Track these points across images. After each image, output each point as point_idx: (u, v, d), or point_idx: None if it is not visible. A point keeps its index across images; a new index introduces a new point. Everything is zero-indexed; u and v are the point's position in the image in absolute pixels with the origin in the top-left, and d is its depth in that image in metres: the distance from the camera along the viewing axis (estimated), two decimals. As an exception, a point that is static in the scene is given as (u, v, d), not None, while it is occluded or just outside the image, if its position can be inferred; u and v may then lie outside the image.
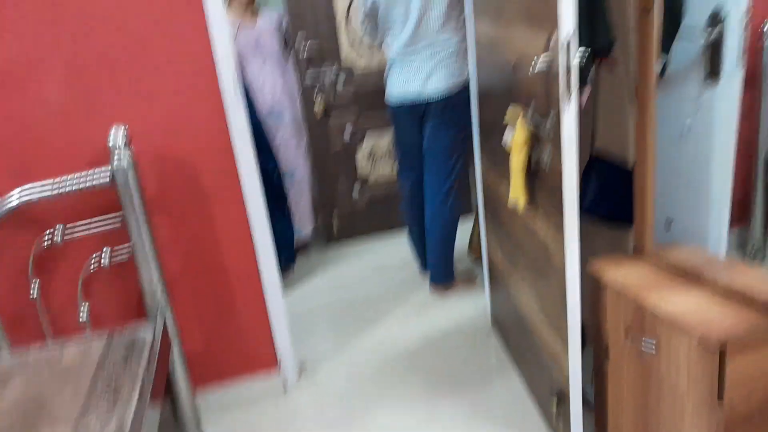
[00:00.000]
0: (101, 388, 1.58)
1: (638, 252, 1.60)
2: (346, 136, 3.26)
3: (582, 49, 1.39)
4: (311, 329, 2.63)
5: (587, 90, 1.72)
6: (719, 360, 1.24)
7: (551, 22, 1.36)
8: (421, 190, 2.71)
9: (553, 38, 1.37)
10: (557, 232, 1.52)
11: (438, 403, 2.08)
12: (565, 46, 1.33)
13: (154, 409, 1.60)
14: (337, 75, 3.15)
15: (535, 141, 1.58)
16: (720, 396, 1.28)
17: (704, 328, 1.26)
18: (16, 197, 1.72)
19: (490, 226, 2.27)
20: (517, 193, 1.66)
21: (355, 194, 3.38)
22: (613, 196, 1.84)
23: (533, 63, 1.45)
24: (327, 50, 3.10)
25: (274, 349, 2.18)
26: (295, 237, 3.18)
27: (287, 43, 3.05)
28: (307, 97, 3.15)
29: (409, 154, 2.70)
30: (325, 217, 3.40)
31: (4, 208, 1.72)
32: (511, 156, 1.64)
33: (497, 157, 1.95)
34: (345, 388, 2.22)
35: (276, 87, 2.95)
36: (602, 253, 1.64)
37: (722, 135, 1.53)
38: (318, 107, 3.16)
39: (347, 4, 3.07)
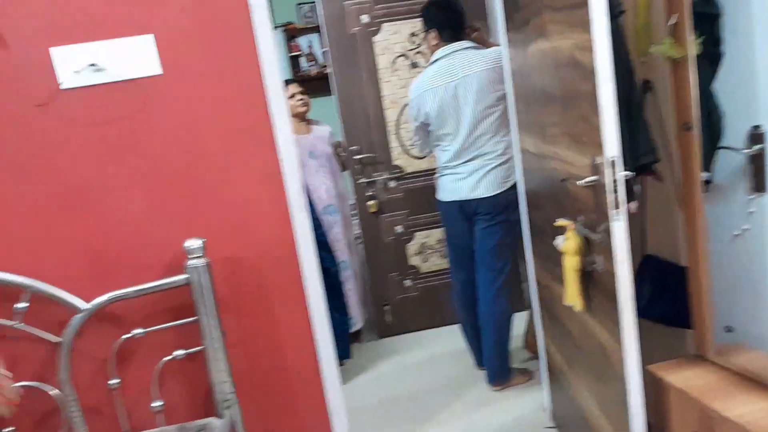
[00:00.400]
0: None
1: (700, 355, 1.60)
2: (398, 231, 3.44)
3: (626, 172, 1.46)
4: (366, 426, 2.64)
5: (635, 203, 1.79)
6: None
7: (595, 144, 1.46)
8: (473, 286, 2.77)
9: (598, 160, 1.46)
10: (615, 336, 1.55)
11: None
12: (611, 167, 1.42)
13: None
14: (388, 178, 3.41)
15: (586, 247, 1.64)
16: None
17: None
18: (101, 301, 1.88)
19: (547, 324, 2.30)
20: (572, 296, 1.71)
21: (408, 284, 3.47)
22: (668, 296, 1.86)
23: (580, 181, 1.54)
24: (379, 157, 3.38)
25: (332, 442, 2.20)
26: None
27: (339, 156, 3.37)
28: (360, 198, 3.40)
29: (460, 252, 2.79)
30: (378, 310, 3.48)
31: (91, 310, 1.87)
32: (563, 261, 1.70)
33: (550, 259, 2.01)
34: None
35: (329, 188, 3.20)
36: (660, 353, 1.65)
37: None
38: (371, 208, 3.40)
39: (396, 116, 3.37)
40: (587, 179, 1.52)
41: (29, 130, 1.83)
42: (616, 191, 1.43)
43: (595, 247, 1.58)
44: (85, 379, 1.95)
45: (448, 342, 3.26)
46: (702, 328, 1.58)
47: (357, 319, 3.38)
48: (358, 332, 3.48)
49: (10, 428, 1.92)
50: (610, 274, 1.50)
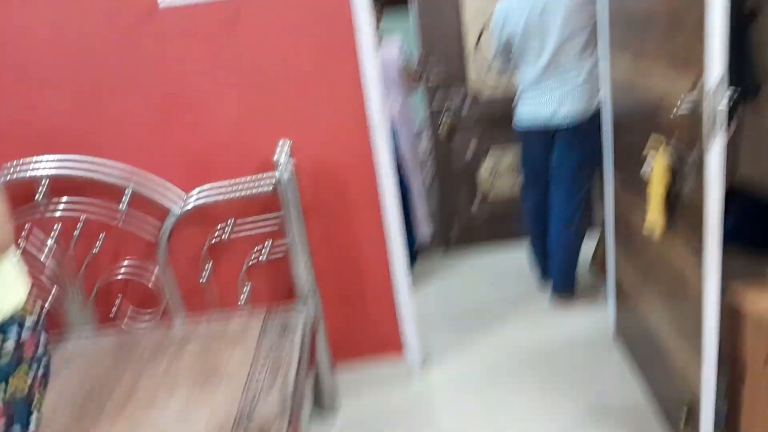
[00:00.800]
0: (264, 355, 1.83)
1: (782, 282, 1.60)
2: (469, 155, 3.42)
3: (729, 92, 1.41)
4: (431, 328, 2.77)
5: (732, 127, 1.74)
6: None
7: (698, 64, 1.41)
8: (544, 209, 2.78)
9: (700, 81, 1.42)
10: (695, 260, 1.56)
11: (554, 402, 2.17)
12: (713, 89, 1.38)
13: (308, 378, 1.83)
14: (464, 99, 3.33)
15: (676, 172, 1.63)
16: None
17: None
18: (194, 198, 2.03)
19: (620, 248, 2.31)
20: (654, 220, 1.71)
21: (475, 208, 3.51)
22: (755, 224, 1.84)
23: (678, 102, 1.50)
24: (455, 76, 3.30)
25: (400, 337, 2.36)
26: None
27: (410, 73, 3.27)
28: (434, 118, 3.36)
29: (534, 174, 2.78)
30: (444, 228, 3.55)
31: (186, 207, 2.03)
32: (650, 184, 1.69)
33: (632, 184, 2.00)
34: (464, 382, 2.37)
35: (396, 108, 3.17)
36: (738, 280, 1.65)
37: None
38: (443, 128, 3.37)
39: (477, 34, 3.24)
40: (686, 103, 1.48)
41: (134, 45, 1.97)
42: (715, 117, 1.40)
43: (687, 171, 1.57)
44: (183, 265, 2.15)
45: (514, 259, 3.31)
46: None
47: (421, 237, 3.47)
48: (423, 249, 3.59)
49: (116, 302, 2.16)
50: (699, 200, 1.50)
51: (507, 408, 2.19)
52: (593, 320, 2.66)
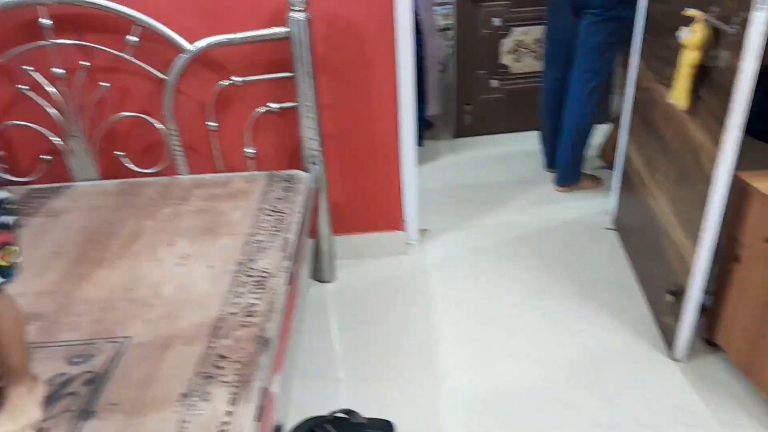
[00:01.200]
0: (266, 212, 1.84)
1: (794, 168, 1.58)
2: (495, 24, 3.22)
3: None
4: (433, 204, 2.79)
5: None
6: None
7: None
8: (563, 87, 2.69)
9: None
10: (713, 136, 1.52)
11: (548, 281, 2.22)
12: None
13: (308, 241, 1.85)
14: None
15: (712, 41, 1.54)
16: None
17: None
18: (206, 43, 1.94)
19: (634, 129, 2.26)
20: (680, 93, 1.65)
21: (494, 84, 3.38)
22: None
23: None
24: None
25: (402, 211, 2.37)
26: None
27: None
28: None
29: (558, 48, 2.67)
30: (459, 108, 3.44)
31: (195, 51, 1.94)
32: (683, 53, 1.61)
33: (660, 58, 1.92)
34: (460, 255, 2.42)
35: None
36: (750, 170, 1.63)
37: None
38: None
39: None
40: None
41: None
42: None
43: (724, 40, 1.48)
44: (187, 119, 2.10)
45: (525, 144, 3.27)
46: (806, 142, 1.53)
47: (432, 109, 3.38)
48: (431, 126, 3.51)
49: (122, 153, 2.13)
50: (731, 71, 1.43)
51: (499, 279, 2.25)
52: (594, 207, 2.68)
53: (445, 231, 2.58)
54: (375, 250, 2.42)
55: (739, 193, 1.58)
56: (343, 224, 2.36)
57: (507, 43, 3.28)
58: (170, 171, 2.12)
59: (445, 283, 2.25)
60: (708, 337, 1.84)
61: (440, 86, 3.43)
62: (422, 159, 3.23)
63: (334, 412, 1.67)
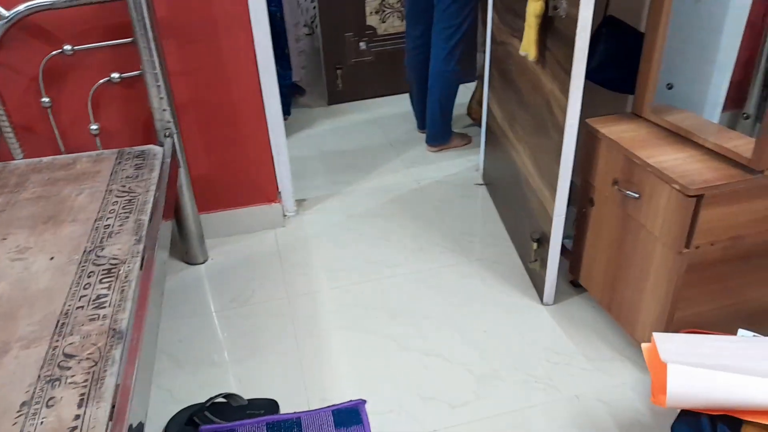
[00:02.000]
0: (116, 193, 1.68)
1: (636, 112, 1.67)
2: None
3: None
4: (307, 172, 2.73)
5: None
6: (693, 209, 1.36)
7: None
8: (426, 46, 2.69)
9: None
10: (563, 87, 1.57)
11: (424, 240, 2.25)
12: None
13: (165, 221, 1.72)
14: None
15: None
16: (688, 243, 1.41)
17: (685, 179, 1.36)
18: (24, 6, 1.71)
19: (494, 84, 2.31)
20: (529, 44, 1.68)
21: (363, 46, 3.32)
22: (619, 61, 1.88)
23: None
24: None
25: (275, 181, 2.28)
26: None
27: None
28: None
29: (418, 5, 2.65)
30: (329, 73, 3.36)
31: (12, 16, 1.70)
32: (528, 4, 1.64)
33: (511, 11, 1.95)
34: (339, 222, 2.38)
35: None
36: (600, 114, 1.71)
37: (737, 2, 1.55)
38: None
39: None
40: None
41: None
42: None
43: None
44: (17, 96, 1.86)
45: (396, 108, 3.27)
46: (644, 88, 1.62)
47: (296, 74, 3.27)
48: (301, 92, 3.41)
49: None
50: (573, 20, 1.47)
51: (378, 242, 2.24)
52: (465, 164, 2.74)
53: (323, 199, 2.53)
54: (249, 225, 2.32)
55: (588, 139, 1.66)
56: (211, 201, 2.23)
57: (372, 3, 3.22)
58: (2, 156, 1.88)
59: (324, 252, 2.21)
60: (572, 278, 1.94)
61: (310, 50, 3.33)
62: (295, 127, 3.15)
63: (213, 398, 1.59)
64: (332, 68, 3.33)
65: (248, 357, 1.77)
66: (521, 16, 1.72)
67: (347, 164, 2.80)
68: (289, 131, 3.08)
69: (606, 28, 1.92)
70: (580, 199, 1.77)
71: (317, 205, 2.49)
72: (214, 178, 2.19)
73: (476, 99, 2.97)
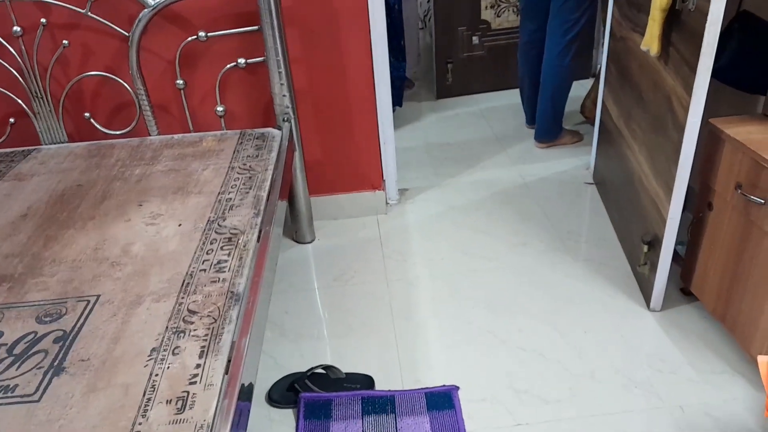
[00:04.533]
0: (238, 170, 1.81)
1: (766, 114, 1.56)
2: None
3: None
4: (412, 163, 2.78)
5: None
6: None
7: None
8: (541, 41, 2.65)
9: None
10: (686, 83, 1.50)
11: (527, 236, 2.22)
12: None
13: (281, 200, 1.83)
14: None
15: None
16: (819, 255, 1.31)
17: (822, 185, 1.26)
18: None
19: (611, 80, 2.24)
20: (652, 38, 1.62)
21: (476, 41, 3.32)
22: (752, 59, 1.76)
23: None
24: None
25: (381, 170, 2.35)
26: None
27: None
28: None
29: (533, 3, 2.61)
30: (439, 67, 3.39)
31: (157, 5, 1.88)
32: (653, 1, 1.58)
33: (633, 5, 1.88)
34: (440, 213, 2.41)
35: None
36: (722, 117, 1.62)
37: None
38: None
39: None
40: None
41: None
42: None
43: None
44: (156, 78, 2.05)
45: (505, 102, 3.24)
46: (779, 87, 1.51)
47: (411, 66, 3.32)
48: (411, 85, 3.46)
49: (86, 114, 2.08)
50: (702, 13, 1.40)
51: (479, 236, 2.24)
52: (575, 162, 2.67)
53: (425, 189, 2.57)
54: (354, 210, 2.40)
55: (711, 140, 1.58)
56: (321, 184, 2.34)
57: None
58: (140, 132, 2.08)
59: (424, 241, 2.25)
60: (683, 286, 1.85)
61: (422, 44, 3.38)
62: (404, 120, 3.21)
63: (314, 368, 1.68)
64: (443, 62, 3.35)
65: (347, 333, 1.84)
66: (644, 10, 1.66)
67: (452, 157, 2.82)
68: (397, 123, 3.15)
69: (739, 23, 1.80)
70: (698, 203, 1.68)
71: (419, 195, 2.53)
72: (324, 163, 2.30)
73: (591, 98, 2.88)
